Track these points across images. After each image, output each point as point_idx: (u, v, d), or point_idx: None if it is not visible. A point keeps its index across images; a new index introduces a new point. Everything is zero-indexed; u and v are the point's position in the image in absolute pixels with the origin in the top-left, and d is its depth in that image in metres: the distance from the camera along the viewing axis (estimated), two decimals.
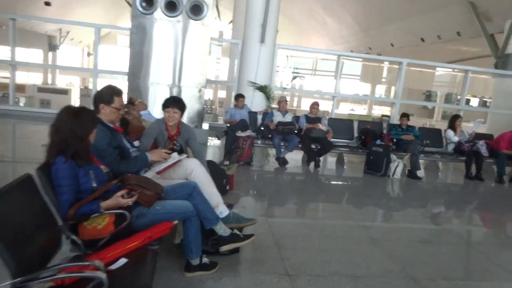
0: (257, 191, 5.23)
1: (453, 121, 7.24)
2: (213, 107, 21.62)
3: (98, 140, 2.46)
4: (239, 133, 6.27)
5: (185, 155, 3.27)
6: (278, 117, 6.70)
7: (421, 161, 6.88)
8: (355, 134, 7.20)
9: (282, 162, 6.46)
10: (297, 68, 25.18)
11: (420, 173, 6.50)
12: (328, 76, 22.97)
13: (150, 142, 3.45)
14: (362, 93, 28.84)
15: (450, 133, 7.18)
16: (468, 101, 26.17)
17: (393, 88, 29.37)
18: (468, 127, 7.78)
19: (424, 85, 25.96)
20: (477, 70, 10.72)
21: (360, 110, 28.76)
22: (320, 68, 22.59)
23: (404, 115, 7.09)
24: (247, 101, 8.60)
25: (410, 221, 4.48)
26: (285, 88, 9.13)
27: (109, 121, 2.74)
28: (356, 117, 23.82)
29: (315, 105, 6.88)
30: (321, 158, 6.68)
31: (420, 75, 24.54)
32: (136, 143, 3.47)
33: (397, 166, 6.41)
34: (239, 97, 6.86)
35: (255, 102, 8.72)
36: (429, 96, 28.26)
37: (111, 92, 2.72)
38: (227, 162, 5.95)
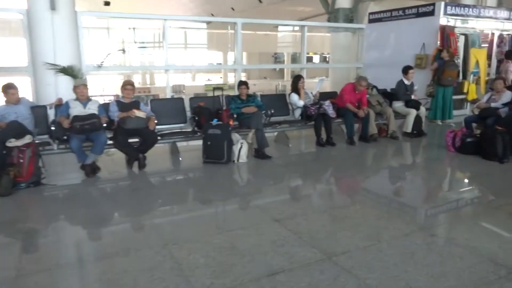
0: (37, 228, 3.26)
1: (295, 83, 6.16)
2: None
3: None
4: (11, 142, 4.08)
5: None
6: (76, 109, 4.66)
7: (268, 134, 5.69)
8: (188, 115, 5.58)
9: (91, 171, 4.51)
10: (143, 42, 22.30)
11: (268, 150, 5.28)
12: (175, 47, 20.81)
13: None
14: (216, 62, 27.61)
15: (294, 97, 6.10)
16: (310, 58, 27.06)
17: (244, 54, 28.78)
18: (315, 83, 6.73)
19: (272, 47, 25.83)
20: (311, 25, 10.03)
21: (217, 79, 27.62)
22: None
23: (242, 83, 5.71)
24: (48, 88, 6.29)
25: (257, 233, 3.10)
26: (99, 66, 6.94)
27: None
28: (210, 87, 22.41)
29: (127, 86, 5.00)
30: (147, 155, 4.92)
31: (267, 38, 24.25)
32: None
33: (241, 147, 5.05)
34: (8, 88, 4.49)
35: (62, 89, 6.40)
36: (276, 58, 28.47)
37: None
38: None
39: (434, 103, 7.60)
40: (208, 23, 20.35)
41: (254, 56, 26.24)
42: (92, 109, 4.73)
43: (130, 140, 4.80)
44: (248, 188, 4.53)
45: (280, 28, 22.26)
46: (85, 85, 4.81)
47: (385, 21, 9.09)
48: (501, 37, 8.88)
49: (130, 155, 4.77)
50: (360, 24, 11.38)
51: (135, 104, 4.97)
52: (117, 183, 4.55)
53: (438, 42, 7.87)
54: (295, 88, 6.14)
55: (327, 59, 24.30)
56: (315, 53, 29.03)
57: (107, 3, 21.97)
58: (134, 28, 22.63)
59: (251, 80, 26.49)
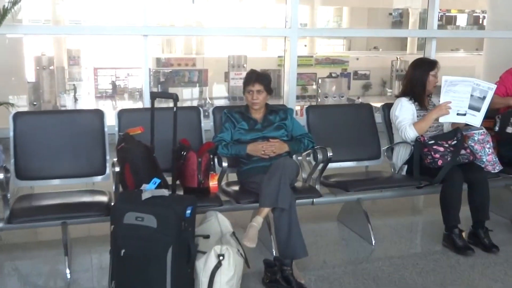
0: None
1: (422, 77, 3.23)
2: None
3: None
4: None
5: None
6: None
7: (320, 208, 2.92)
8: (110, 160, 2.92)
9: None
10: None
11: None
12: None
13: None
14: (300, 22, 24.58)
15: (407, 112, 3.16)
16: (450, 20, 22.63)
17: (345, 10, 24.85)
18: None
19: (389, 1, 22.02)
20: None
21: (300, 47, 24.52)
22: None
23: (257, 78, 2.88)
24: None
25: None
26: None
27: None
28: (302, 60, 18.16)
29: None
30: None
31: None
32: None
33: (220, 265, 2.35)
34: None
35: None
36: (399, 15, 24.54)
37: None
38: None
39: None
40: None
41: (361, 13, 22.56)
42: None
43: None
44: None
45: None
46: None
47: None
48: None
49: None
50: None
51: None
52: None
53: None
54: (417, 89, 3.24)
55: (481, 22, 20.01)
56: (461, 11, 24.44)
57: None
58: None
59: (352, 52, 22.51)
